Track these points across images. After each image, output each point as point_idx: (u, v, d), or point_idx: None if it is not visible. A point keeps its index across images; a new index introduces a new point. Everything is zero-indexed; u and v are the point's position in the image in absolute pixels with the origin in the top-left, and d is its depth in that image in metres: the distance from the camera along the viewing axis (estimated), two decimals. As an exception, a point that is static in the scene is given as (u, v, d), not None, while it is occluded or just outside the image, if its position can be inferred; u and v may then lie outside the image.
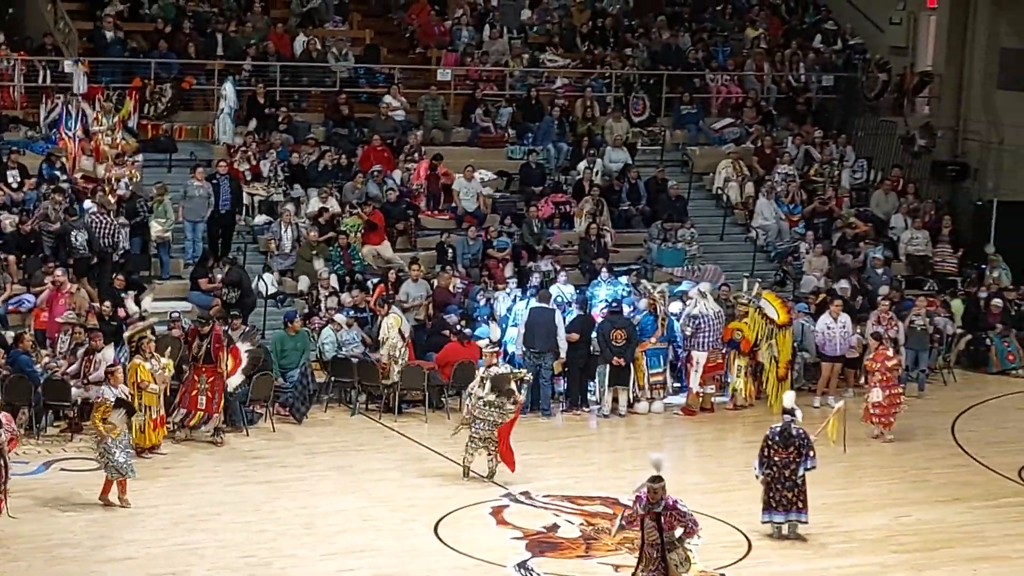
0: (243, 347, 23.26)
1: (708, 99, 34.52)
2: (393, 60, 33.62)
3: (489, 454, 21.23)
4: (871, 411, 23.99)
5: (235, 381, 23.04)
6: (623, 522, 16.62)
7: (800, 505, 19.11)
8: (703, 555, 18.29)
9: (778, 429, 19.10)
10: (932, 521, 20.23)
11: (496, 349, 22.66)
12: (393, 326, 24.65)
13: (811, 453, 19.13)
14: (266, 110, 30.55)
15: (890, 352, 24.35)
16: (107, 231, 25.91)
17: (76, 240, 25.69)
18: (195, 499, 19.94)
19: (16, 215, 26.23)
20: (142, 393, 21.76)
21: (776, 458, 19.03)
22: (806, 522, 19.19)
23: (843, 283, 28.33)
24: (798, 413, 19.43)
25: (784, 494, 19.06)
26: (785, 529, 19.17)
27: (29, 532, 18.10)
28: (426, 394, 24.64)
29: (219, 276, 26.18)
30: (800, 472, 19.01)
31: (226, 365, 22.71)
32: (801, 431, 19.21)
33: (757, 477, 19.21)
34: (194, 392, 22.59)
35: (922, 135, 34.34)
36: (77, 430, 22.66)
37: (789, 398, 19.69)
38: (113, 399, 19.44)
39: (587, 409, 25.35)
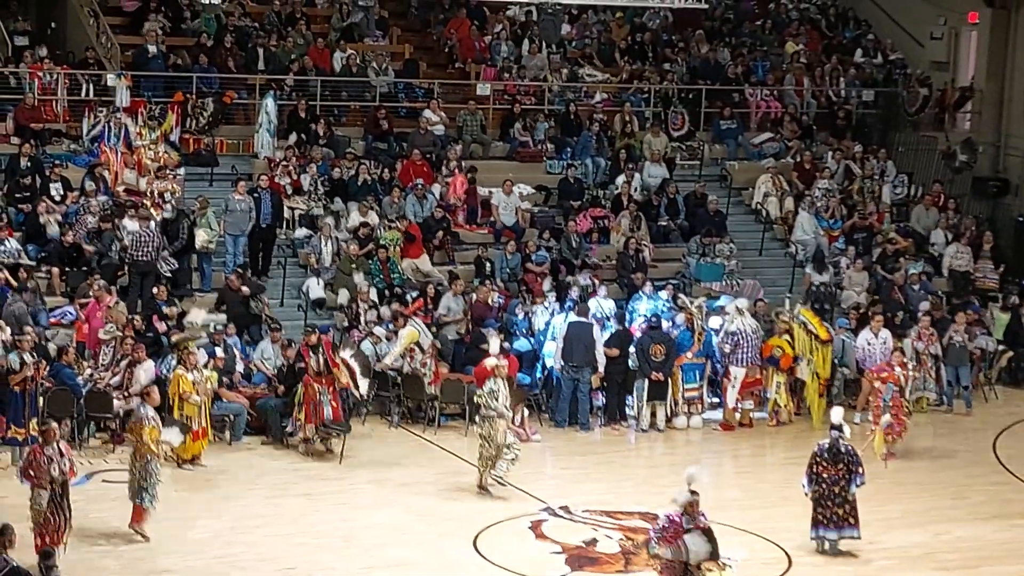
0: (346, 354, 23.19)
1: (747, 114, 34.50)
2: (432, 75, 33.72)
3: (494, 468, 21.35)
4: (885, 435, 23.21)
5: (364, 386, 23.20)
6: (656, 543, 16.45)
7: (852, 521, 19.10)
8: (744, 572, 18.29)
9: (826, 445, 19.08)
10: (972, 538, 20.14)
11: (500, 363, 21.95)
12: (409, 337, 24.62)
13: (860, 470, 19.14)
14: (309, 125, 30.68)
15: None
16: (148, 246, 26.01)
17: (112, 251, 25.86)
18: (235, 511, 20.01)
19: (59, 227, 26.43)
20: (184, 404, 21.88)
21: (825, 475, 19.01)
22: (859, 538, 19.15)
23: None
24: (846, 429, 19.42)
25: (835, 511, 19.04)
26: (829, 546, 19.12)
27: (71, 543, 18.15)
28: (465, 407, 24.67)
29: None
30: (852, 489, 19.01)
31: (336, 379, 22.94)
32: (850, 448, 19.21)
33: (806, 494, 19.17)
34: (318, 404, 22.77)
35: (963, 150, 34.20)
36: (119, 441, 22.78)
37: (837, 414, 19.65)
38: (153, 418, 19.12)
39: (625, 424, 25.35)
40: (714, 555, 16.25)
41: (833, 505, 19.04)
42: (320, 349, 23.14)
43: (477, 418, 21.75)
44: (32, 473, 17.37)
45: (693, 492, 16.06)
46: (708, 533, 16.18)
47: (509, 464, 21.38)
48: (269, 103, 29.81)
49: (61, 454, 17.51)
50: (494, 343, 22.50)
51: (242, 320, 25.58)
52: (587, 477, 22.51)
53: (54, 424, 17.88)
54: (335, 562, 18.39)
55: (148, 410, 19.20)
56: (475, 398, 21.74)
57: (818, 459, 19.07)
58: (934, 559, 19.27)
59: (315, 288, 27.25)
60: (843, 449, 19.07)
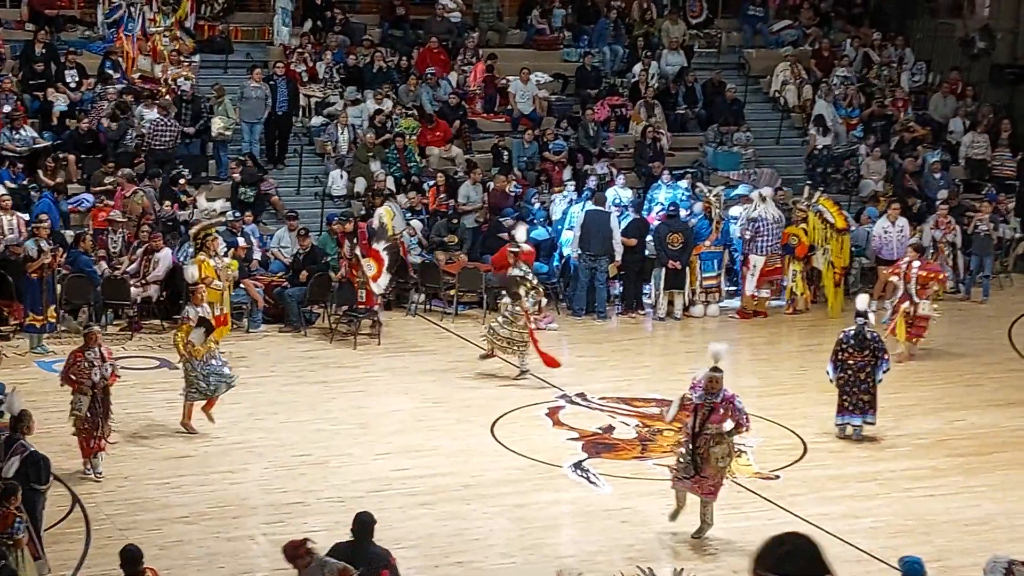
0: (380, 247, 23.07)
1: (765, 1, 34.21)
2: (449, -39, 33.43)
3: (513, 353, 21.49)
4: (911, 326, 23.02)
5: (383, 282, 23.14)
6: (680, 404, 16.58)
7: (872, 408, 19.26)
8: (758, 457, 18.40)
9: (852, 332, 19.16)
10: (986, 425, 20.25)
11: (520, 250, 22.23)
12: (384, 216, 24.64)
13: (885, 356, 19.34)
14: (324, 12, 30.49)
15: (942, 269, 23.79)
16: (166, 134, 25.99)
17: (129, 138, 25.85)
18: (252, 399, 20.12)
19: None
20: (206, 289, 21.94)
21: (851, 361, 19.12)
22: (873, 423, 19.31)
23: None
24: (871, 316, 19.48)
25: (860, 397, 19.19)
26: (853, 431, 19.28)
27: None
28: (483, 295, 24.73)
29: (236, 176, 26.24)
30: (878, 376, 19.17)
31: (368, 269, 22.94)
32: (875, 334, 19.34)
33: (831, 380, 19.25)
34: (355, 286, 23.00)
35: (981, 37, 33.89)
36: (136, 329, 22.91)
37: (863, 301, 19.73)
38: (195, 318, 18.99)
39: (642, 312, 25.40)
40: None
41: (859, 391, 19.16)
42: (356, 237, 23.18)
43: (508, 298, 21.68)
44: (73, 377, 17.10)
45: (716, 369, 16.08)
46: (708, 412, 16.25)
47: (518, 352, 21.51)
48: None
49: (103, 359, 17.19)
50: (520, 231, 22.58)
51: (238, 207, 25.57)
52: (603, 364, 22.60)
53: (96, 327, 17.66)
54: (351, 448, 18.52)
55: (190, 310, 19.12)
56: (517, 283, 21.60)
57: (844, 346, 19.15)
58: (948, 446, 19.37)
59: (338, 182, 27.12)
60: (869, 336, 19.18)
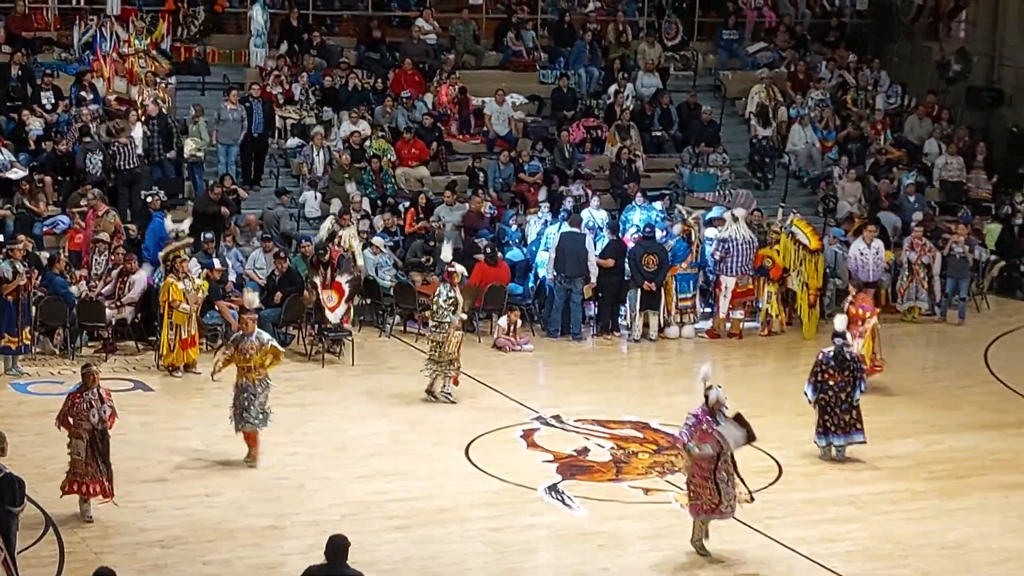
0: (343, 279, 23.20)
1: (742, 23, 34.29)
2: (425, -17, 33.48)
3: (446, 376, 21.34)
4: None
5: (340, 312, 23.11)
6: (695, 444, 16.07)
7: (858, 426, 19.33)
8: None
9: (832, 353, 19.18)
10: (964, 448, 20.23)
11: (455, 270, 21.91)
12: (354, 236, 24.63)
13: (863, 376, 19.42)
14: (301, 34, 30.49)
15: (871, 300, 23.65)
16: (131, 156, 25.99)
17: (90, 164, 25.80)
18: (227, 421, 19.93)
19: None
20: (172, 312, 21.88)
21: (831, 382, 19.16)
22: (864, 442, 19.38)
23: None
24: (848, 337, 19.49)
25: (842, 417, 19.23)
26: (836, 452, 19.32)
27: (64, 453, 18.16)
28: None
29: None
30: (856, 396, 19.23)
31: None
32: (853, 354, 19.36)
33: (810, 402, 19.27)
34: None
35: (957, 60, 34.05)
36: (112, 350, 22.83)
37: (841, 322, 19.76)
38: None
39: (618, 334, 25.39)
40: (751, 437, 16.23)
41: (840, 412, 19.20)
42: (330, 263, 23.31)
43: (431, 323, 21.60)
44: (71, 420, 16.45)
45: (710, 388, 16.03)
46: (739, 419, 16.16)
47: (454, 377, 21.35)
48: (257, 11, 29.63)
49: (101, 399, 16.52)
50: (446, 250, 22.51)
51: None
52: (579, 387, 22.56)
53: (95, 368, 16.90)
54: (328, 471, 18.45)
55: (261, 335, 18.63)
56: (432, 303, 21.56)
57: (823, 367, 19.18)
58: (926, 469, 19.34)
59: (311, 202, 27.10)
60: (848, 356, 19.21)
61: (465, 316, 21.88)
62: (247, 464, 18.47)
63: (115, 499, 16.70)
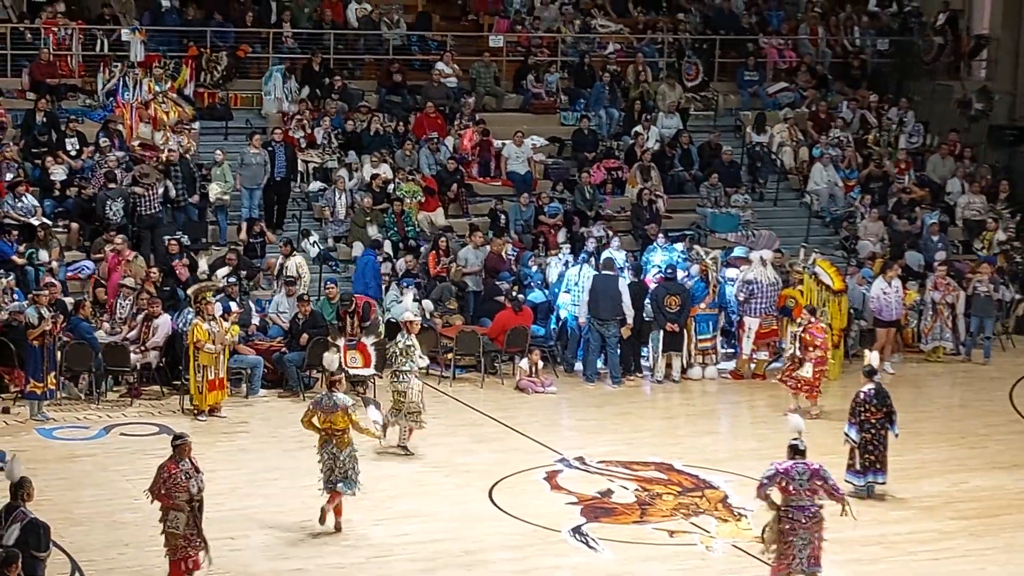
0: (369, 342, 23.28)
1: (762, 63, 34.36)
2: (445, 27, 33.63)
3: (402, 428, 20.98)
4: (798, 385, 23.14)
5: (365, 374, 23.20)
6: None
7: (879, 466, 19.34)
8: (759, 521, 18.29)
9: (873, 391, 19.18)
10: (991, 488, 20.16)
11: (415, 319, 21.70)
12: (302, 264, 24.65)
13: (895, 413, 19.41)
14: (322, 78, 30.64)
15: (822, 326, 23.63)
16: (152, 202, 26.14)
17: (110, 211, 25.92)
18: (253, 464, 20.07)
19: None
20: (199, 353, 21.92)
21: (873, 420, 19.18)
22: (884, 483, 19.41)
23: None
24: (877, 376, 19.50)
25: (882, 454, 19.30)
26: (871, 490, 19.37)
27: (90, 497, 18.24)
28: (480, 359, 24.71)
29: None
30: (895, 431, 19.29)
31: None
32: (885, 390, 19.40)
33: (855, 443, 19.19)
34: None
35: (979, 99, 34.08)
36: (136, 395, 22.88)
37: (875, 359, 19.81)
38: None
39: (640, 375, 25.36)
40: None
41: (883, 449, 19.26)
42: (355, 313, 23.57)
43: (390, 373, 21.17)
44: (164, 492, 15.48)
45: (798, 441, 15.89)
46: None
47: (410, 428, 20.93)
48: (277, 76, 29.84)
49: (197, 470, 15.65)
50: (408, 297, 22.48)
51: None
52: (603, 428, 22.53)
53: (189, 437, 15.84)
54: (351, 514, 18.39)
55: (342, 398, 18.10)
56: (387, 353, 21.32)
57: (866, 405, 19.17)
58: (953, 508, 19.28)
59: (312, 247, 27.15)
60: (886, 392, 19.32)
61: (425, 363, 21.66)
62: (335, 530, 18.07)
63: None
